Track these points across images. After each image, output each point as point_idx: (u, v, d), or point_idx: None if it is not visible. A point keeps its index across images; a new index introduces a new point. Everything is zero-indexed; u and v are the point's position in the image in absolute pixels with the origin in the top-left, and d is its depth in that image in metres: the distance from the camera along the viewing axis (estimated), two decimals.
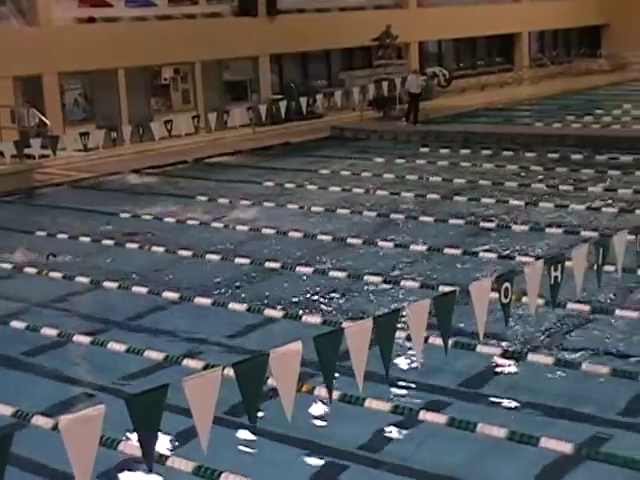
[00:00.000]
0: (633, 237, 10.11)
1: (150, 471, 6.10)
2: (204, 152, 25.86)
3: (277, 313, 11.32)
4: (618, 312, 10.73)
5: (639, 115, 29.15)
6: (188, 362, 9.56)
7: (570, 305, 10.64)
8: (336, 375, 7.06)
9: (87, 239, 16.00)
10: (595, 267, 9.59)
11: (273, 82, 32.93)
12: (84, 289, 13.39)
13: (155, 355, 9.92)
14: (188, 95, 30.43)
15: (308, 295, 12.47)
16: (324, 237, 15.39)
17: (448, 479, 7.54)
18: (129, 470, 7.77)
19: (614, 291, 11.60)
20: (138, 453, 5.99)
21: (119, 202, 19.56)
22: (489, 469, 7.65)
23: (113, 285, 12.94)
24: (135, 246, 15.39)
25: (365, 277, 12.79)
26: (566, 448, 7.43)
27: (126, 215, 18.06)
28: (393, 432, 8.34)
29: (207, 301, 11.89)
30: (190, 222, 17.09)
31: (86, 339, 10.72)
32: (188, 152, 25.72)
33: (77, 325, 11.78)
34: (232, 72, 32.06)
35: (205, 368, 8.65)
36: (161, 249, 15.02)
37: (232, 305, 11.64)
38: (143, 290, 12.59)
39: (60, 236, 16.31)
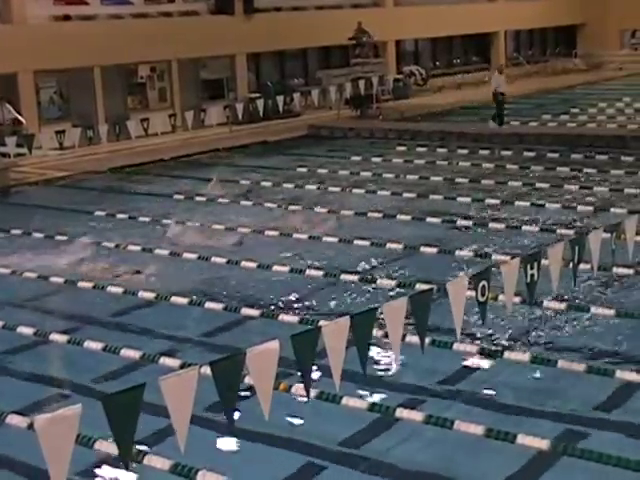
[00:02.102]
0: (609, 235, 10.16)
1: (127, 469, 6.09)
2: (181, 150, 25.77)
3: (254, 312, 11.30)
4: (594, 309, 10.79)
5: (614, 114, 29.33)
6: (165, 361, 9.54)
7: (546, 303, 10.69)
8: (313, 373, 7.05)
9: (63, 237, 15.93)
10: (571, 265, 9.63)
11: (250, 81, 32.88)
12: (59, 288, 13.31)
13: (132, 354, 9.89)
14: (165, 93, 30.33)
15: (285, 294, 12.44)
16: (301, 236, 15.38)
17: (426, 476, 7.55)
18: (106, 468, 7.74)
19: (590, 288, 11.64)
20: (115, 452, 5.97)
21: (96, 201, 19.49)
22: (466, 466, 7.67)
23: (88, 285, 12.91)
24: (112, 245, 15.34)
25: (342, 276, 12.79)
26: (542, 445, 7.46)
27: (101, 214, 17.99)
28: (371, 430, 8.35)
29: (184, 300, 11.87)
30: (165, 221, 17.02)
31: (62, 338, 10.67)
32: (165, 150, 25.63)
33: (53, 324, 11.71)
34: (209, 70, 31.97)
35: (182, 367, 8.63)
36: (138, 248, 15.00)
37: (209, 304, 11.63)
38: (119, 290, 12.56)
39: (36, 235, 16.25)
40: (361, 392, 8.76)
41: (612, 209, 15.98)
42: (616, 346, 10.13)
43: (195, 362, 6.96)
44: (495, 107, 27.21)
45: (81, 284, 13.00)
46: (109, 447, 7.03)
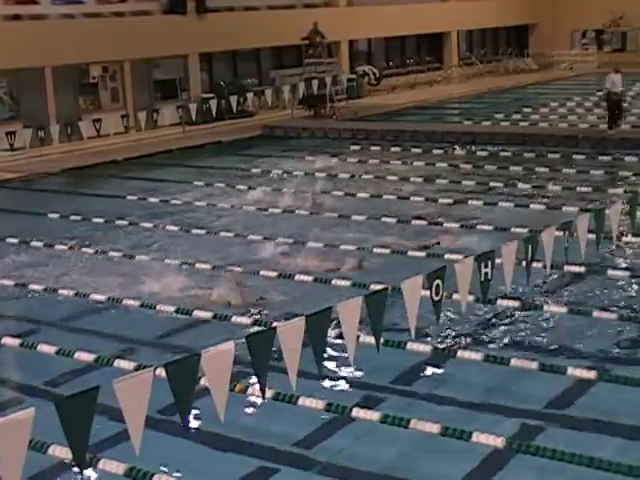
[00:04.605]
0: (561, 233, 10.25)
1: (81, 474, 6.03)
2: (134, 151, 25.60)
3: (207, 314, 11.25)
4: (547, 307, 10.88)
5: (565, 113, 29.62)
6: (119, 363, 9.47)
7: (500, 301, 10.75)
8: (269, 374, 7.04)
9: (15, 240, 15.77)
10: (524, 263, 9.70)
11: (203, 81, 32.73)
12: (12, 291, 13.16)
13: (86, 356, 9.81)
14: (117, 94, 30.08)
15: (239, 296, 12.38)
16: (255, 237, 15.35)
17: (382, 476, 7.57)
18: (60, 473, 7.67)
19: (543, 287, 11.74)
20: (69, 456, 5.91)
21: (48, 202, 19.31)
22: (423, 465, 7.70)
23: (40, 287, 12.79)
24: (64, 247, 15.21)
25: (296, 276, 12.78)
26: (498, 442, 7.51)
27: (55, 216, 17.83)
28: (327, 430, 8.35)
29: (136, 303, 11.79)
30: (119, 222, 16.92)
31: (15, 341, 10.55)
32: (117, 151, 25.45)
33: (5, 328, 11.57)
34: (162, 71, 31.77)
35: (137, 369, 8.57)
36: (91, 250, 14.90)
37: (161, 306, 11.56)
38: (71, 292, 12.46)
39: None
40: (317, 392, 8.76)
41: (564, 207, 16.13)
42: (568, 343, 10.23)
43: (150, 364, 6.91)
44: (607, 109, 24.89)
45: (32, 287, 12.88)
46: (63, 452, 6.96)
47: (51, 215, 17.89)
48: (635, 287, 12.14)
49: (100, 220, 17.25)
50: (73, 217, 17.66)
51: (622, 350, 10.04)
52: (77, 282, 13.27)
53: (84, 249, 15.08)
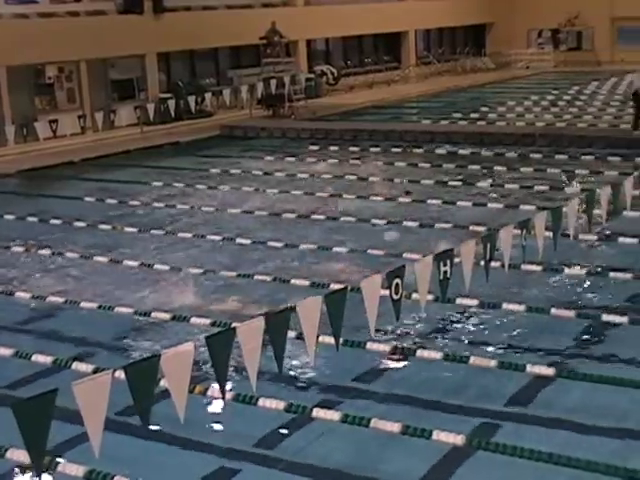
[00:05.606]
0: (519, 231, 10.31)
1: (39, 478, 5.97)
2: (91, 152, 25.39)
3: (166, 315, 11.19)
4: (505, 306, 10.94)
5: (522, 112, 29.83)
6: (78, 365, 9.40)
7: (459, 300, 10.80)
8: (229, 375, 7.02)
9: None
10: (483, 262, 9.75)
11: (161, 81, 32.56)
12: None
13: (43, 359, 9.72)
14: (73, 94, 29.79)
15: (198, 296, 12.34)
16: (214, 237, 15.32)
17: (343, 475, 7.57)
18: (18, 477, 7.59)
19: (501, 285, 11.81)
20: (27, 460, 5.85)
21: (4, 204, 19.12)
22: (384, 463, 7.71)
23: None
24: (21, 249, 15.08)
25: (255, 276, 12.75)
26: (457, 440, 7.55)
27: (10, 217, 17.66)
28: (287, 430, 8.34)
29: (93, 305, 11.70)
30: (77, 224, 16.79)
31: None
32: (75, 152, 25.24)
33: None
34: (118, 70, 31.53)
35: (95, 371, 8.51)
36: (48, 252, 14.78)
37: (119, 308, 11.49)
38: (27, 295, 12.35)
39: None
40: (277, 392, 8.74)
41: (522, 206, 16.23)
42: (527, 341, 10.30)
43: (108, 366, 6.86)
44: (635, 109, 23.98)
45: None
46: (21, 455, 6.89)
47: (7, 217, 17.72)
48: (591, 284, 12.26)
49: (57, 222, 17.11)
50: (30, 219, 17.51)
51: (580, 347, 10.13)
52: (34, 284, 13.16)
53: (41, 251, 14.95)
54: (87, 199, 19.18)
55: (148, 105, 28.79)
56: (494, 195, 17.89)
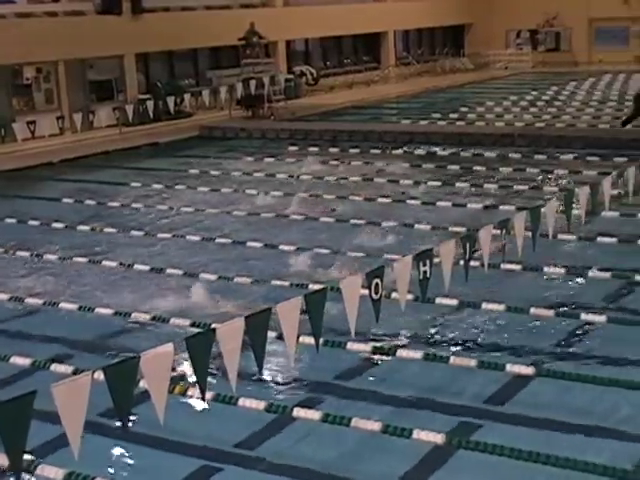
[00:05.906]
0: (498, 231, 10.34)
1: None
2: (70, 153, 25.27)
3: (145, 316, 11.16)
4: (485, 305, 10.96)
5: (501, 112, 29.92)
6: (57, 367, 9.35)
7: (439, 300, 10.81)
8: (209, 375, 7.00)
9: None
10: (462, 262, 9.76)
11: (139, 81, 32.45)
12: None
13: (22, 361, 9.67)
14: (52, 95, 29.63)
15: (178, 297, 12.30)
16: (193, 237, 15.29)
17: (324, 475, 7.57)
18: None
19: (481, 285, 11.83)
20: (5, 462, 5.82)
21: None
22: (365, 463, 7.71)
23: None
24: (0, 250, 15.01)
25: (235, 279, 12.72)
26: (438, 439, 7.56)
27: None
28: (268, 430, 8.33)
29: (73, 306, 11.65)
30: (55, 225, 16.71)
31: None
32: (53, 153, 25.12)
33: None
34: (97, 71, 31.38)
35: (74, 373, 8.47)
36: (26, 253, 14.72)
37: (99, 310, 11.44)
38: (5, 296, 12.28)
39: None
40: (258, 393, 8.73)
41: (501, 206, 16.28)
42: (507, 341, 10.33)
43: (88, 368, 6.83)
44: (633, 110, 24.83)
45: None
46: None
47: None
48: (570, 284, 12.31)
49: (35, 223, 17.02)
50: (8, 220, 17.42)
51: (559, 346, 10.17)
52: (12, 286, 13.08)
53: (19, 252, 14.87)
54: (66, 200, 19.10)
55: (127, 106, 28.68)
56: (474, 195, 17.91)
